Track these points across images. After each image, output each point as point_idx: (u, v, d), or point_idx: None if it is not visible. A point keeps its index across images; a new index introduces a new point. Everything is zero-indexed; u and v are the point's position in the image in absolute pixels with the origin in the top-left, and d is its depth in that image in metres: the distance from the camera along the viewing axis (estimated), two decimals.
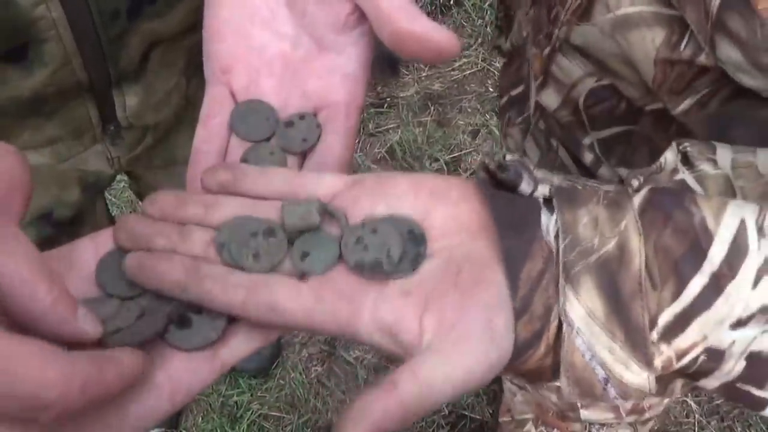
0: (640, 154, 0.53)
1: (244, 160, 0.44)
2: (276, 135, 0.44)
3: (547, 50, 0.55)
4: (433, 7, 2.03)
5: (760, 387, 0.37)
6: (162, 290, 0.37)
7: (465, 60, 1.98)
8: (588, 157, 0.57)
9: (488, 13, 2.03)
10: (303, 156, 0.44)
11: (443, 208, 0.38)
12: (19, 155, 0.34)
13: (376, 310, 0.36)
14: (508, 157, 0.39)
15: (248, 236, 0.38)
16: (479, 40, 1.99)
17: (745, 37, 0.39)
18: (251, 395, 1.57)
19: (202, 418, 1.55)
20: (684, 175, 0.42)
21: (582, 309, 0.35)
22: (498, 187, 0.38)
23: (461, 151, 1.85)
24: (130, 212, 1.78)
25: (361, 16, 0.42)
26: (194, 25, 0.69)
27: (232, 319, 0.38)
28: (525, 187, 0.37)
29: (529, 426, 1.01)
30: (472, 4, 2.04)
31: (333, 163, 0.43)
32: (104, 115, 0.71)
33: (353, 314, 0.36)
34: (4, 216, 0.32)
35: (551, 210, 0.36)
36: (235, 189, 0.41)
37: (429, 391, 0.33)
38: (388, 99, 1.92)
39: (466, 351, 0.34)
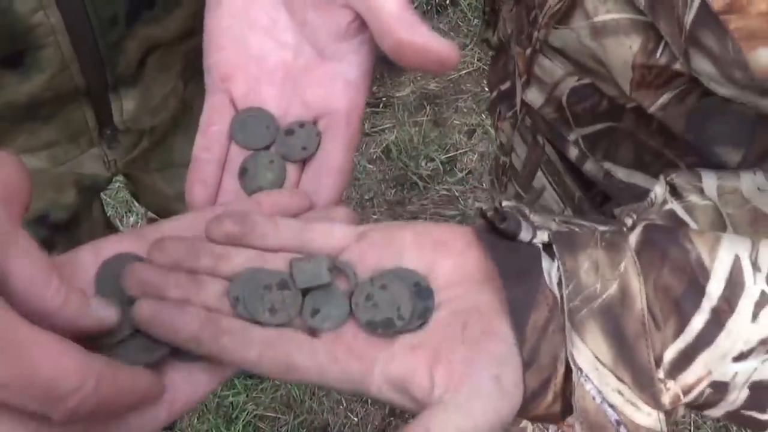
0: (624, 148, 0.55)
1: (244, 167, 0.44)
2: (276, 143, 0.44)
3: (528, 50, 0.56)
4: (429, 7, 2.03)
5: (763, 411, 0.37)
6: (176, 344, 0.36)
7: (461, 60, 1.98)
8: (573, 153, 0.58)
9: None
10: (303, 164, 0.44)
11: (447, 259, 0.39)
12: (18, 161, 0.34)
13: (386, 366, 0.36)
14: (505, 203, 0.39)
15: (262, 289, 0.38)
16: (475, 40, 1.99)
17: (717, 53, 0.40)
18: (247, 396, 1.57)
19: (198, 419, 1.55)
20: (673, 205, 0.42)
21: (589, 354, 0.35)
22: (497, 234, 0.38)
23: (457, 150, 1.85)
24: (126, 213, 1.77)
25: (361, 24, 0.42)
26: (192, 29, 0.69)
27: None
28: (524, 234, 0.38)
29: (525, 422, 1.01)
30: (468, 4, 2.04)
31: (332, 171, 0.43)
32: (101, 119, 0.71)
33: (365, 372, 0.36)
34: (9, 219, 0.32)
35: (552, 256, 0.37)
36: (242, 241, 0.40)
37: None
38: (384, 99, 1.92)
39: (477, 407, 0.34)
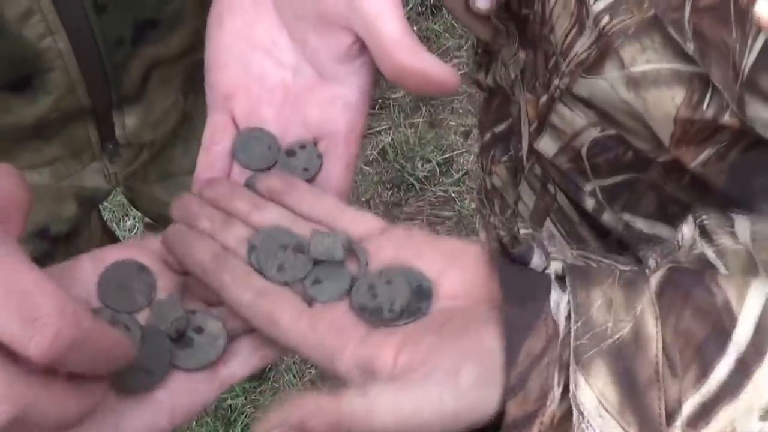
0: (647, 200, 0.51)
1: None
2: (277, 164, 0.45)
3: (544, 98, 0.52)
4: (424, 8, 2.03)
5: None
6: (185, 265, 0.40)
7: (456, 61, 1.98)
8: (589, 203, 0.54)
9: None
10: None
11: (457, 271, 0.39)
12: (18, 175, 0.34)
13: (358, 348, 0.36)
14: (522, 231, 0.38)
15: (278, 247, 0.40)
16: (470, 42, 2.00)
17: None
18: (245, 398, 1.58)
19: (196, 422, 1.55)
20: (703, 248, 0.39)
21: (594, 397, 0.33)
22: (510, 260, 0.37)
23: (453, 151, 1.86)
24: (123, 217, 1.78)
25: (362, 46, 0.42)
26: (193, 45, 0.70)
27: (231, 339, 0.39)
28: (537, 261, 0.37)
29: None
30: None
31: (333, 192, 0.44)
32: (103, 135, 0.72)
33: (338, 349, 0.36)
34: (4, 234, 0.32)
35: (563, 288, 0.35)
36: (280, 199, 0.43)
37: (370, 412, 0.33)
38: (380, 100, 1.92)
39: (420, 389, 0.33)
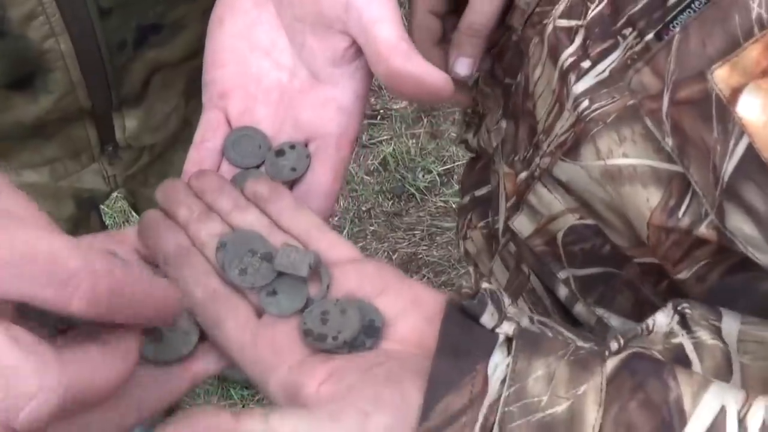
0: (622, 297, 0.47)
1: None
2: (265, 163, 0.45)
3: (523, 174, 0.49)
4: None
5: None
6: (151, 252, 0.40)
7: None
8: (562, 292, 0.50)
9: None
10: (291, 185, 0.45)
11: (415, 317, 0.37)
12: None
13: (290, 371, 0.35)
14: (484, 285, 0.36)
15: (246, 251, 0.40)
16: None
17: (762, 212, 0.33)
18: (243, 406, 1.57)
19: None
20: (682, 338, 0.36)
21: None
22: (463, 312, 0.35)
23: (454, 162, 1.86)
24: (124, 222, 1.78)
25: (358, 50, 0.43)
26: (196, 50, 0.70)
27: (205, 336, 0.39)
28: (486, 319, 0.35)
29: None
30: None
31: (319, 194, 0.44)
32: (103, 137, 0.72)
33: (271, 368, 0.36)
34: (26, 203, 0.31)
35: (509, 351, 0.33)
36: (263, 206, 0.42)
37: None
38: (382, 111, 1.93)
39: (325, 425, 0.32)
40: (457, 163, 1.86)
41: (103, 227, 1.08)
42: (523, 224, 0.50)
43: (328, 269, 0.40)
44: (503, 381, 0.32)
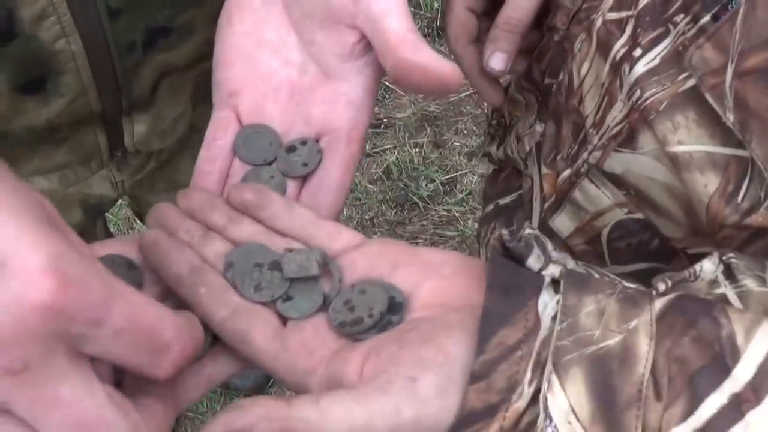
0: None
1: (244, 181, 0.45)
2: (277, 159, 0.46)
3: (567, 172, 0.48)
4: (430, 30, 2.05)
5: None
6: (161, 275, 0.39)
7: (462, 82, 2.00)
8: (554, 253, 0.51)
9: None
10: (303, 180, 0.46)
11: (432, 282, 0.38)
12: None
13: (327, 367, 0.36)
14: (527, 230, 0.36)
15: (254, 266, 0.39)
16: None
17: None
18: None
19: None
20: (725, 289, 0.35)
21: (566, 403, 0.31)
22: (508, 257, 0.35)
23: (457, 172, 1.87)
24: (128, 230, 1.79)
25: (367, 45, 0.43)
26: (205, 54, 0.71)
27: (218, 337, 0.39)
28: (533, 261, 0.35)
29: None
30: None
31: (331, 188, 0.44)
32: (112, 142, 0.72)
33: (310, 370, 0.36)
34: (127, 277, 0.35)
35: (557, 291, 0.33)
36: (255, 213, 0.42)
37: (321, 420, 0.31)
38: (385, 120, 1.94)
39: (375, 399, 0.32)
40: (459, 173, 1.86)
41: (109, 235, 1.08)
42: (563, 223, 0.50)
43: (336, 261, 0.40)
44: (554, 317, 0.32)
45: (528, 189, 0.57)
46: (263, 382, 1.59)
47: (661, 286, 0.34)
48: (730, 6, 0.37)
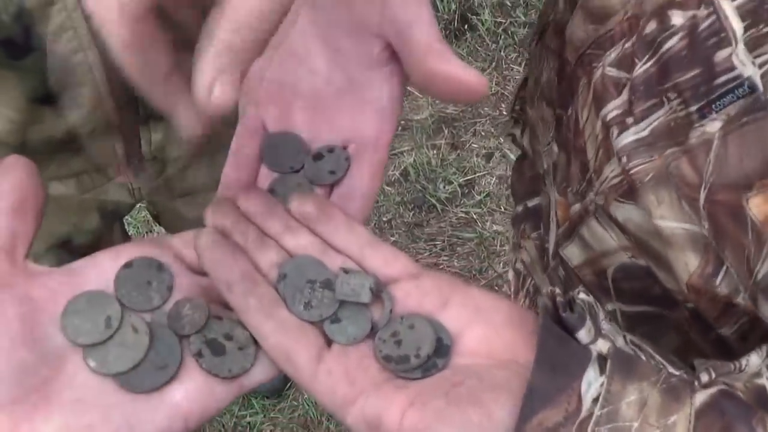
0: (668, 339, 0.47)
1: (272, 189, 0.45)
2: (305, 167, 0.45)
3: (577, 206, 0.49)
4: (448, 32, 2.04)
5: None
6: (213, 278, 0.39)
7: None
8: (605, 325, 0.52)
9: (502, 37, 2.04)
10: (330, 188, 0.45)
11: (482, 327, 0.38)
12: (30, 165, 0.34)
13: (368, 399, 0.35)
14: (581, 296, 0.36)
15: (306, 282, 0.39)
16: (493, 64, 2.00)
17: None
18: (264, 416, 1.57)
19: None
20: (766, 381, 0.35)
21: None
22: (557, 322, 0.35)
23: (475, 173, 1.86)
24: (147, 233, 1.79)
25: (392, 53, 0.43)
26: None
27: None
28: (583, 335, 0.34)
29: None
30: (486, 29, 2.05)
31: (358, 196, 0.44)
32: (129, 150, 0.73)
33: (349, 400, 0.36)
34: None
35: (603, 370, 0.33)
36: (314, 226, 0.42)
37: None
38: (403, 122, 1.93)
39: None
40: (477, 174, 1.85)
41: (126, 238, 1.08)
42: (573, 253, 0.50)
43: (388, 289, 0.39)
44: (595, 399, 0.32)
45: (546, 204, 0.57)
46: (280, 385, 1.59)
47: (704, 377, 0.34)
48: (714, 106, 0.37)
